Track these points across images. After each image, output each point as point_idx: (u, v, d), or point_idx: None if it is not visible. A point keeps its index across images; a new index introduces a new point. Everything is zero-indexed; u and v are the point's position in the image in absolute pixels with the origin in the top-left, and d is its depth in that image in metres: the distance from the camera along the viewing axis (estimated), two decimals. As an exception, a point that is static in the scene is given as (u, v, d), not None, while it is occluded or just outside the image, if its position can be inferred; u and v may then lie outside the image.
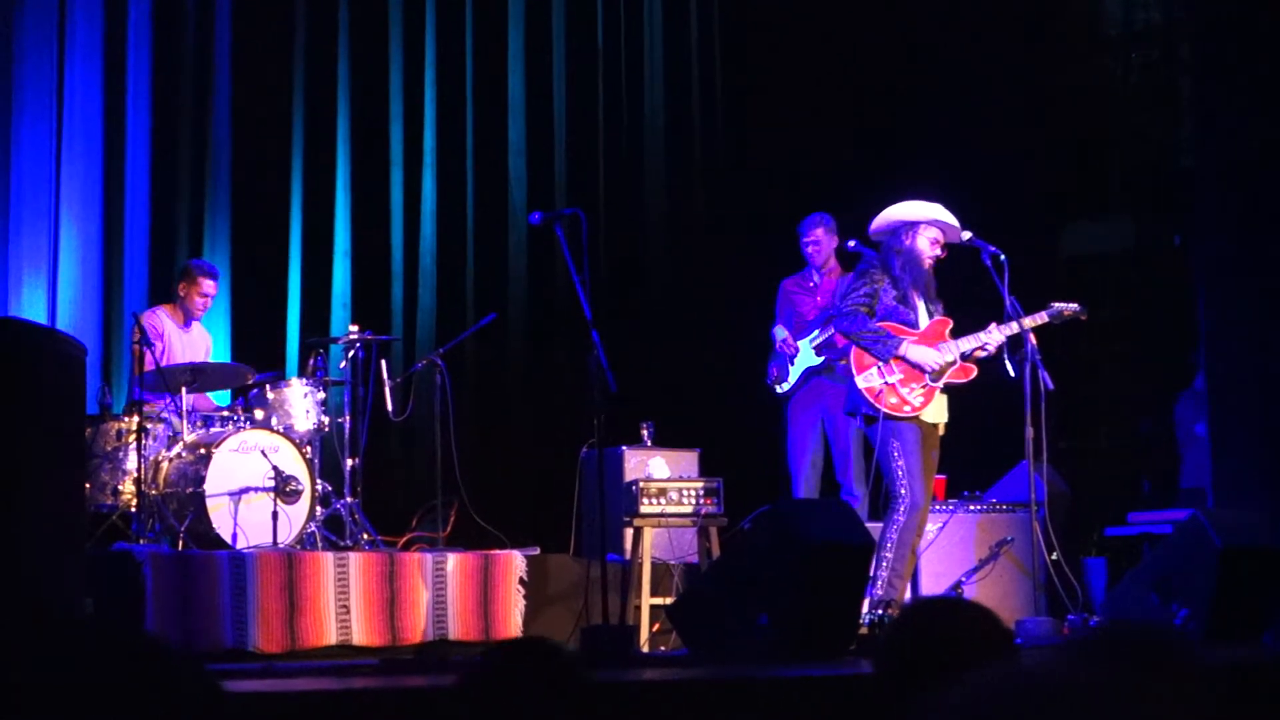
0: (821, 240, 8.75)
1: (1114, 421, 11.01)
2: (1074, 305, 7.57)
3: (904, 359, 7.32)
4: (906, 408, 7.29)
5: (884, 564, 7.14)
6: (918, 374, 7.33)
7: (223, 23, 9.44)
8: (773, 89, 10.76)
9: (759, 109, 10.78)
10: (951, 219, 7.51)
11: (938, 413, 7.38)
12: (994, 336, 7.44)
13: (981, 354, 7.46)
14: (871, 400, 7.29)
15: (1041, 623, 7.15)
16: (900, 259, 7.42)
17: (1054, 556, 7.50)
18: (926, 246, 7.45)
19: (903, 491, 7.21)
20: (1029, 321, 7.45)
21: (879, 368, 7.32)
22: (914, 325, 7.41)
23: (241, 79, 9.48)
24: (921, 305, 7.46)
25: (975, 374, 7.45)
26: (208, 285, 8.50)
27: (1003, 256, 7.42)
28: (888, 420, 7.25)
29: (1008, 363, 7.44)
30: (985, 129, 10.26)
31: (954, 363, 7.39)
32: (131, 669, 1.59)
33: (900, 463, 7.23)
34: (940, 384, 7.37)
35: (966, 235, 7.53)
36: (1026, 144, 10.57)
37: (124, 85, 9.11)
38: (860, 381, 7.33)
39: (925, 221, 7.46)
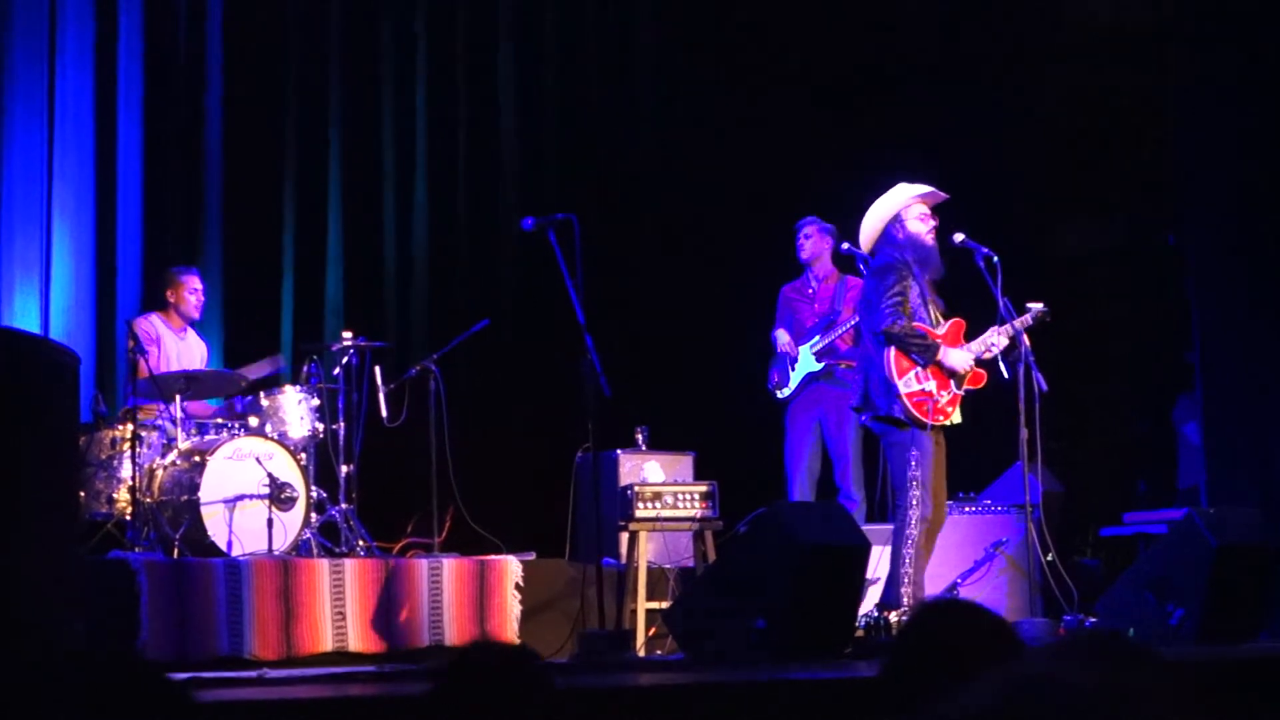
0: (813, 237, 8.76)
1: (1108, 422, 11.01)
2: (1039, 305, 7.50)
3: (940, 364, 7.25)
4: (940, 417, 7.20)
5: (905, 579, 7.09)
6: (947, 381, 7.25)
7: (214, 29, 9.44)
8: (764, 91, 10.75)
9: (752, 113, 10.78)
10: (922, 187, 7.46)
11: (956, 418, 7.33)
12: (1000, 339, 7.37)
13: (988, 355, 7.40)
14: (911, 407, 7.15)
15: (1037, 624, 7.15)
16: (909, 252, 7.32)
17: (1049, 557, 7.50)
18: (921, 226, 7.37)
19: (914, 502, 7.11)
20: (1019, 324, 7.41)
21: (917, 373, 7.20)
22: (932, 326, 7.34)
23: (233, 86, 9.47)
24: (930, 302, 7.38)
25: (985, 381, 7.39)
26: (194, 282, 8.52)
27: (995, 258, 7.38)
28: (916, 429, 7.18)
29: (1002, 364, 7.41)
30: (977, 128, 10.26)
31: (969, 369, 7.33)
32: (106, 686, 1.59)
33: (916, 473, 7.13)
34: (961, 391, 7.30)
35: (959, 237, 7.48)
36: (1019, 143, 10.58)
37: (115, 92, 9.11)
38: (902, 386, 7.15)
39: (904, 206, 7.42)
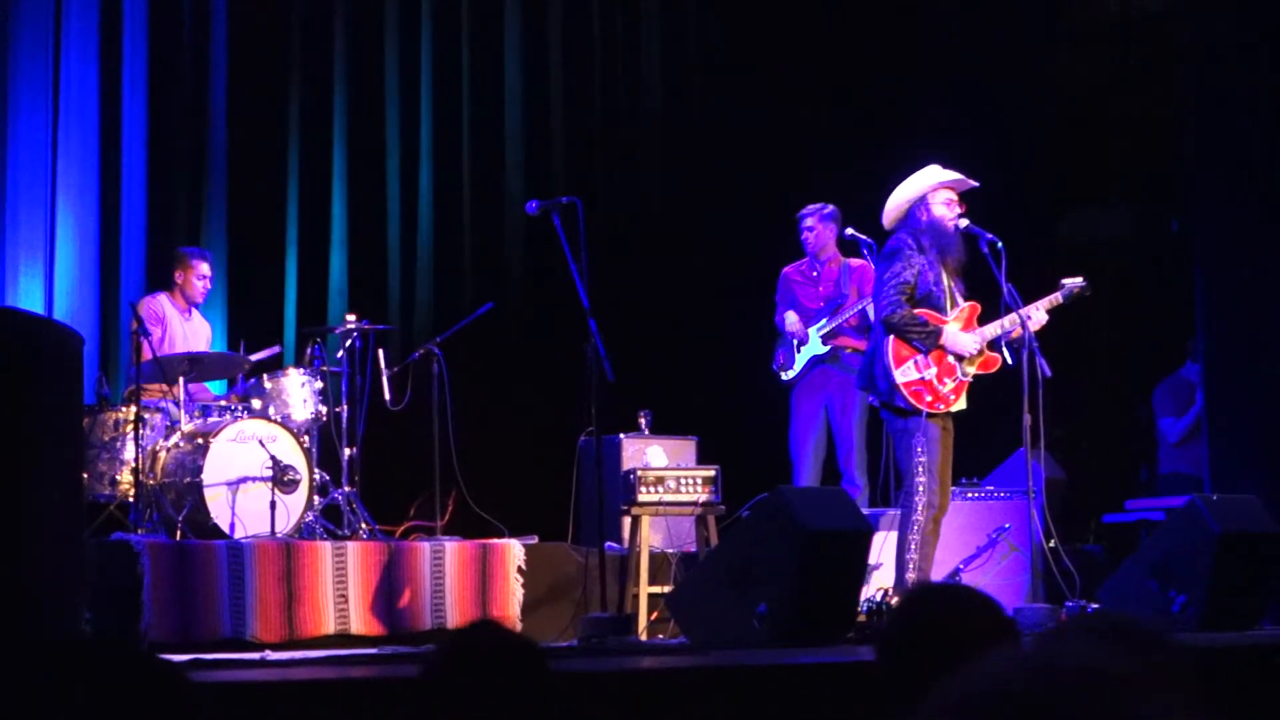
0: (815, 228, 8.72)
1: (1111, 408, 11.00)
2: (1079, 280, 7.45)
3: (944, 348, 7.20)
4: (941, 405, 7.15)
5: (911, 566, 7.07)
6: (951, 368, 7.19)
7: (219, 11, 9.43)
8: (770, 76, 10.74)
9: (756, 97, 10.77)
10: (952, 174, 7.40)
11: (961, 404, 7.30)
12: (1014, 320, 7.31)
13: (1012, 337, 7.33)
14: (908, 396, 7.12)
15: (1039, 610, 7.14)
16: (928, 235, 7.28)
17: (1052, 544, 7.49)
18: (946, 211, 7.29)
19: (920, 489, 7.08)
20: (1046, 303, 7.36)
21: (916, 361, 7.15)
22: (943, 309, 7.28)
23: (237, 68, 9.47)
24: (948, 285, 7.32)
25: (999, 366, 7.34)
26: (203, 267, 8.55)
27: (1000, 244, 7.33)
28: (919, 416, 7.14)
29: (1005, 350, 7.39)
30: (983, 116, 10.24)
31: (981, 353, 7.30)
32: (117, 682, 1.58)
33: (922, 460, 7.09)
34: (970, 377, 7.27)
35: (964, 223, 7.42)
36: (1025, 131, 10.55)
37: (119, 75, 9.11)
38: (899, 376, 7.11)
39: (931, 189, 7.37)
